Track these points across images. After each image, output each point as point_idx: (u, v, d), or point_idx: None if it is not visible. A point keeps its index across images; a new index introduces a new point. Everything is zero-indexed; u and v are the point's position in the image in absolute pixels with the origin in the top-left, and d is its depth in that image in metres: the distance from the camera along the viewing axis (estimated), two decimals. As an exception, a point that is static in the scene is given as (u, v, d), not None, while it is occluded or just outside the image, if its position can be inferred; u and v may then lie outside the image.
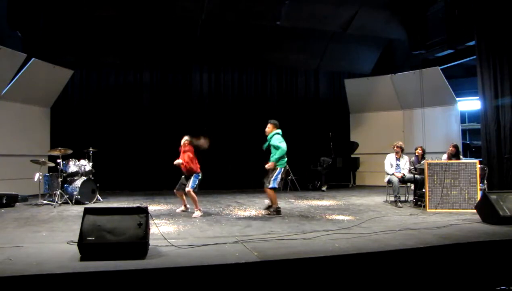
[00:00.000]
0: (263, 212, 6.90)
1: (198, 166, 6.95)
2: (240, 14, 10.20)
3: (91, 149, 8.75)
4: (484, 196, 5.89)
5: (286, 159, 6.71)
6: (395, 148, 8.06)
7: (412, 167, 7.85)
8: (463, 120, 12.55)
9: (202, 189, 10.82)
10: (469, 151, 12.51)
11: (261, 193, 10.12)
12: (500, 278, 4.26)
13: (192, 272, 3.54)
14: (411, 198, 8.11)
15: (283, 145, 6.59)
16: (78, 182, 8.04)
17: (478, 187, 6.87)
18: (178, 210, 7.17)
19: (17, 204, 7.84)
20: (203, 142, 7.12)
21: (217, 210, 7.28)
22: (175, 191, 7.12)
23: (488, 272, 4.32)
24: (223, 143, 11.15)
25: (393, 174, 7.90)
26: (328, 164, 10.99)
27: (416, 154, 8.16)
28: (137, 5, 9.60)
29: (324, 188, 10.72)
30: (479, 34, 8.91)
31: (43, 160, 8.30)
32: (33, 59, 9.02)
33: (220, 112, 11.62)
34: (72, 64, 10.39)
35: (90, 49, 10.57)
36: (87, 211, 4.02)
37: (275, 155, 6.60)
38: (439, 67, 10.57)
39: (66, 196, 7.94)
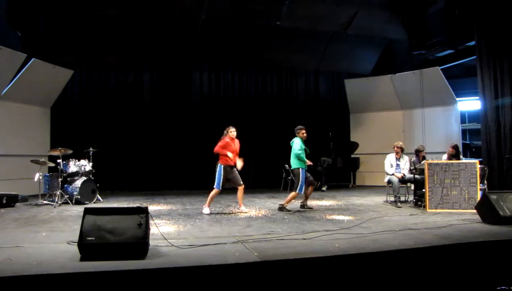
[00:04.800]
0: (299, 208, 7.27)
1: None
2: (240, 14, 10.20)
3: (91, 149, 8.74)
4: (484, 196, 5.89)
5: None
6: (395, 148, 8.05)
7: (412, 167, 7.85)
8: (463, 120, 12.55)
9: (202, 189, 10.89)
10: (469, 151, 12.52)
11: (261, 193, 10.15)
12: (500, 278, 4.26)
13: (192, 272, 3.54)
14: (411, 198, 8.10)
15: None
16: (78, 182, 8.04)
17: (478, 187, 6.86)
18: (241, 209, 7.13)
19: (17, 204, 7.84)
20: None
21: (217, 210, 7.27)
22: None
23: (488, 272, 4.32)
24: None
25: (393, 174, 7.90)
26: (328, 164, 10.99)
27: (423, 155, 8.11)
28: (137, 5, 9.60)
29: (324, 188, 10.73)
30: (479, 34, 8.91)
31: (43, 160, 8.30)
32: (33, 59, 9.02)
33: (220, 112, 11.61)
34: (72, 64, 10.39)
35: (90, 49, 10.58)
36: (87, 211, 4.02)
37: None
38: (439, 67, 10.57)
39: (66, 196, 7.94)
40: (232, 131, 7.10)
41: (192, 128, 11.41)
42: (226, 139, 6.99)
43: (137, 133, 11.11)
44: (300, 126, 7.31)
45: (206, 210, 6.91)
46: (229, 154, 6.84)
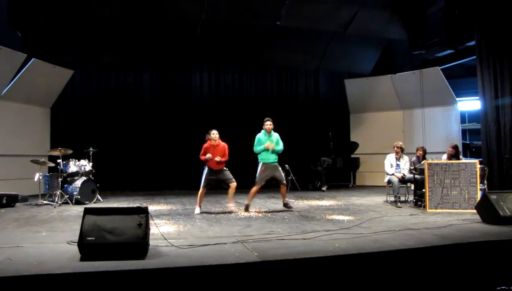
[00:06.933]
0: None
1: None
2: (240, 14, 10.19)
3: (91, 149, 8.75)
4: (484, 196, 5.89)
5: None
6: (395, 148, 8.05)
7: (412, 167, 7.85)
8: (463, 120, 12.54)
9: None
10: (469, 150, 12.50)
11: (261, 193, 10.12)
12: (500, 278, 4.26)
13: (192, 272, 3.54)
14: (411, 198, 8.10)
15: None
16: (78, 182, 8.04)
17: (478, 187, 6.86)
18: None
19: (17, 204, 7.84)
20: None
21: (217, 210, 7.28)
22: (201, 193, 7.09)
23: (488, 272, 4.32)
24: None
25: (393, 174, 7.90)
26: (328, 164, 10.99)
27: (417, 155, 8.14)
28: (137, 5, 9.59)
29: (324, 188, 10.73)
30: (479, 34, 8.91)
31: (43, 160, 8.30)
32: (33, 59, 9.02)
33: (220, 112, 11.62)
34: (72, 64, 10.40)
35: (90, 49, 10.56)
36: (87, 211, 4.02)
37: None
38: (439, 67, 10.57)
39: (66, 196, 7.94)
40: (213, 134, 7.01)
41: (192, 128, 11.40)
42: (205, 145, 6.99)
43: (137, 133, 11.11)
44: (267, 118, 7.16)
45: (197, 209, 6.97)
46: (208, 156, 6.84)
